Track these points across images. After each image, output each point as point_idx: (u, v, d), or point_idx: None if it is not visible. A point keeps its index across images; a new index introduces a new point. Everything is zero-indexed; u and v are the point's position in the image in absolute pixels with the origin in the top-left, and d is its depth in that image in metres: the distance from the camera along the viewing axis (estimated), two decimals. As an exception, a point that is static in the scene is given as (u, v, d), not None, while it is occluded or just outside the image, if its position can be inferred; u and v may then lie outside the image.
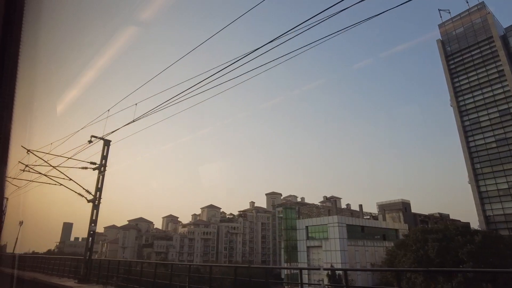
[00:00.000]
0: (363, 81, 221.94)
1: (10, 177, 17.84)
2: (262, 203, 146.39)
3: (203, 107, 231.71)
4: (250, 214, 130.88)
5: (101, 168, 17.78)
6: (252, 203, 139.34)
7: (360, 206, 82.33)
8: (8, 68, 1.70)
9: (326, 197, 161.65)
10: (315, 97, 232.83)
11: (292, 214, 64.48)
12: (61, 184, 17.20)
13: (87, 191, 17.40)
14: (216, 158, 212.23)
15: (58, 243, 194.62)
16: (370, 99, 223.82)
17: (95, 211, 17.42)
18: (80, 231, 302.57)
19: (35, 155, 16.65)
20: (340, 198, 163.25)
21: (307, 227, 58.24)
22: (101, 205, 17.90)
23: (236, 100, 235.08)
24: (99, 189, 17.71)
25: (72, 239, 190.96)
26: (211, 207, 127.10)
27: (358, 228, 54.17)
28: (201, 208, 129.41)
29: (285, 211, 64.15)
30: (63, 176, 17.13)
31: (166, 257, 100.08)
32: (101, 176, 17.74)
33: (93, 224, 17.34)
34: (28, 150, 16.09)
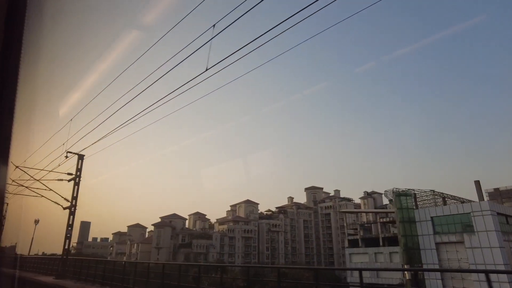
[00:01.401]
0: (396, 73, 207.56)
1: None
2: (299, 199, 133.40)
3: (227, 100, 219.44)
4: (290, 211, 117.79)
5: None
6: (291, 198, 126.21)
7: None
8: (10, 73, 1.69)
9: (367, 192, 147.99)
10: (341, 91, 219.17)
11: (409, 203, 50.92)
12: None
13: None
14: (240, 154, 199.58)
15: (75, 244, 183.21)
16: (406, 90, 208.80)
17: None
18: (98, 231, 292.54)
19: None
20: (381, 193, 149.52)
21: (432, 218, 44.88)
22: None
23: (257, 95, 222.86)
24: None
25: (90, 239, 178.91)
26: (248, 202, 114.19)
27: (503, 219, 40.89)
28: (237, 204, 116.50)
29: (398, 199, 50.54)
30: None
31: (206, 259, 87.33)
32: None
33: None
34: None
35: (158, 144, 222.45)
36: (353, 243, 78.16)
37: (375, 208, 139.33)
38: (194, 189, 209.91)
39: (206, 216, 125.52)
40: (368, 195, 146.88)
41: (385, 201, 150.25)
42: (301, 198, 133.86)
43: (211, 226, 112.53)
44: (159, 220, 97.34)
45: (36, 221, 61.07)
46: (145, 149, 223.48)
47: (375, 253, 71.76)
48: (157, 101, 8.86)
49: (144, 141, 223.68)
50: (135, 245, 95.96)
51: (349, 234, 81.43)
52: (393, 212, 60.41)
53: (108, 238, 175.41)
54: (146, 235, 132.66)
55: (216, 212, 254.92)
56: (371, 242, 74.15)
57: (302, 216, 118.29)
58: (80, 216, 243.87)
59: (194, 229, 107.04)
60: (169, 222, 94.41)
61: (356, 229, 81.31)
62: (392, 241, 70.79)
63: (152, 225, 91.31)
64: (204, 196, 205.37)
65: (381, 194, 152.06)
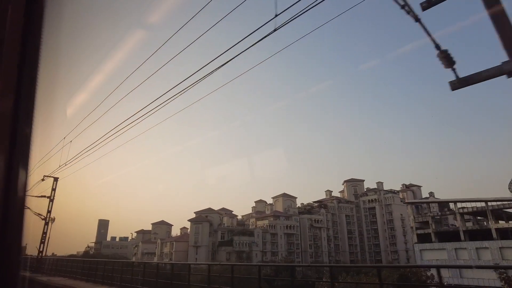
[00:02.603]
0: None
1: None
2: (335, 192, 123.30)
3: (249, 90, 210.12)
4: (331, 205, 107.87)
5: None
6: (329, 192, 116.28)
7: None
8: (28, 75, 1.68)
9: (405, 184, 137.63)
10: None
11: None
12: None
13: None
14: (263, 148, 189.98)
15: (93, 243, 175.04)
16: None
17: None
18: (115, 230, 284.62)
19: None
20: (420, 186, 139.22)
21: None
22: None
23: (275, 86, 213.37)
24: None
25: (108, 238, 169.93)
26: (285, 196, 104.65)
27: None
28: (273, 198, 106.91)
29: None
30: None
31: (249, 258, 77.81)
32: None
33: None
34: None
35: (175, 140, 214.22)
36: (423, 238, 68.34)
37: (406, 202, 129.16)
38: (212, 186, 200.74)
39: (233, 212, 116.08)
40: (407, 187, 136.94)
41: (424, 194, 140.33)
42: (329, 192, 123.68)
43: (241, 222, 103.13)
44: (188, 216, 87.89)
45: (52, 220, 56.59)
46: (159, 146, 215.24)
47: (456, 249, 61.91)
48: (171, 97, 8.37)
49: (157, 139, 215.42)
50: (168, 244, 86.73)
51: (417, 228, 71.34)
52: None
53: (127, 237, 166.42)
54: (172, 233, 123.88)
55: (239, 208, 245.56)
56: (448, 236, 64.38)
57: (343, 210, 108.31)
58: (97, 214, 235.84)
59: (228, 225, 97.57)
60: (205, 217, 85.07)
61: (426, 222, 71.14)
62: (475, 235, 60.76)
63: (189, 220, 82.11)
64: (224, 192, 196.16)
65: (420, 187, 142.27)
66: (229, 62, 6.66)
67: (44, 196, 21.57)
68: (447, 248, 62.84)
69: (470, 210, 64.37)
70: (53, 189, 21.97)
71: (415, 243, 69.79)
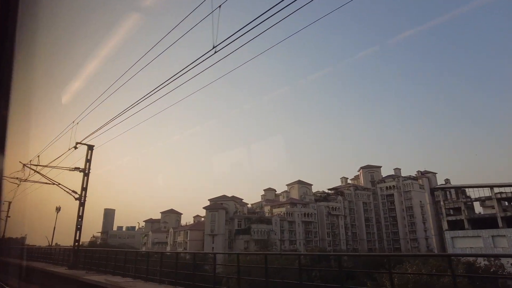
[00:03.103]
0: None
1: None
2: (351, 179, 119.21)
3: (261, 71, 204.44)
4: (347, 192, 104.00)
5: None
6: (345, 178, 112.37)
7: None
8: (3, 65, 1.58)
9: (420, 171, 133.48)
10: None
11: None
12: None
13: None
14: (270, 135, 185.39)
15: (99, 233, 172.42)
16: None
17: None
18: (123, 219, 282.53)
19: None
20: (435, 173, 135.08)
21: None
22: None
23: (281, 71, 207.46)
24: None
25: (114, 228, 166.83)
26: (300, 183, 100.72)
27: None
28: (288, 185, 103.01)
29: None
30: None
31: (266, 246, 74.29)
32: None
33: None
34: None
35: (180, 128, 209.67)
36: (453, 225, 64.74)
37: (431, 188, 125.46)
38: (218, 175, 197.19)
39: (243, 200, 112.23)
40: (422, 174, 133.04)
41: (440, 181, 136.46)
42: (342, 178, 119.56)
43: (252, 210, 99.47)
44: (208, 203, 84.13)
45: (58, 209, 52.04)
46: (162, 135, 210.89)
47: (493, 237, 58.37)
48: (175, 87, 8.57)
49: (160, 127, 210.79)
50: (181, 232, 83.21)
51: (447, 215, 67.60)
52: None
53: (134, 227, 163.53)
54: (182, 222, 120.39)
55: (246, 197, 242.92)
56: (484, 223, 60.76)
57: (360, 198, 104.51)
58: (103, 204, 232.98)
59: (244, 213, 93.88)
60: (221, 204, 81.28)
61: (456, 208, 67.30)
62: (513, 221, 57.00)
63: (204, 208, 78.37)
64: (230, 181, 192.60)
65: (435, 173, 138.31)
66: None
67: (78, 169, 17.11)
68: (483, 235, 59.23)
69: (510, 195, 60.50)
70: (88, 160, 17.84)
71: (445, 230, 66.32)
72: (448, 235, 64.54)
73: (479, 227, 60.74)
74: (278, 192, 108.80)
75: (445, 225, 66.89)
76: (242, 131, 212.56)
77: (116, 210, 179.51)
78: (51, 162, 17.60)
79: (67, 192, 16.84)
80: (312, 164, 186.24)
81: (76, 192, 17.34)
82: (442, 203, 69.30)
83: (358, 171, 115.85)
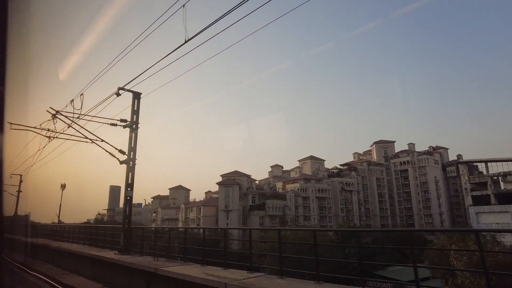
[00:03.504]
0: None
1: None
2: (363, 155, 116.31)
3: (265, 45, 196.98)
4: (360, 168, 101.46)
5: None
6: (357, 154, 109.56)
7: None
8: None
9: (432, 147, 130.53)
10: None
11: None
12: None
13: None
14: (278, 109, 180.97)
15: (106, 210, 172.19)
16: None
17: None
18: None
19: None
20: (447, 148, 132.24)
21: None
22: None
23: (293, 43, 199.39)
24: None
25: (120, 205, 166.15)
26: (313, 158, 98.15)
27: None
28: (300, 161, 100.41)
29: None
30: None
31: (283, 223, 72.63)
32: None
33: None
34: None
35: (186, 100, 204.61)
36: (478, 201, 62.44)
37: (443, 163, 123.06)
38: (223, 152, 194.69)
39: (252, 176, 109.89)
40: (433, 149, 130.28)
41: (452, 156, 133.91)
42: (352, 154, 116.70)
43: (260, 186, 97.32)
44: (220, 178, 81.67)
45: (63, 186, 51.31)
46: (169, 107, 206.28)
47: (522, 212, 56.23)
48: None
49: (165, 101, 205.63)
50: (194, 209, 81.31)
51: (471, 190, 65.16)
52: None
53: (141, 204, 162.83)
54: (190, 199, 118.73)
55: (254, 173, 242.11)
56: (505, 198, 58.72)
57: (374, 173, 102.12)
58: (109, 180, 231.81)
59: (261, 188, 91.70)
60: (234, 180, 78.85)
61: (481, 183, 64.73)
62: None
63: (217, 183, 76.01)
64: (235, 157, 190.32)
65: (447, 149, 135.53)
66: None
67: (124, 122, 13.49)
68: (511, 210, 57.03)
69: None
70: (135, 111, 13.73)
71: (470, 205, 64.15)
72: (472, 210, 62.35)
73: (505, 202, 58.54)
74: (285, 168, 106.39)
75: (468, 201, 64.69)
76: (245, 108, 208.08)
77: (121, 187, 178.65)
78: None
79: (109, 153, 13.11)
80: (323, 140, 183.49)
81: (123, 152, 13.36)
82: (466, 177, 66.66)
83: (371, 146, 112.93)
